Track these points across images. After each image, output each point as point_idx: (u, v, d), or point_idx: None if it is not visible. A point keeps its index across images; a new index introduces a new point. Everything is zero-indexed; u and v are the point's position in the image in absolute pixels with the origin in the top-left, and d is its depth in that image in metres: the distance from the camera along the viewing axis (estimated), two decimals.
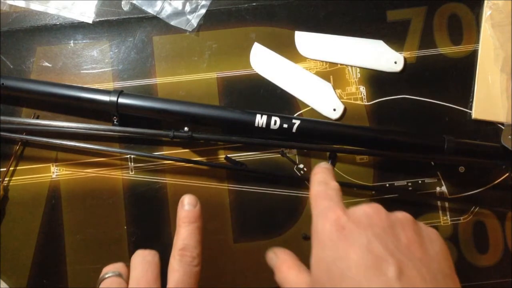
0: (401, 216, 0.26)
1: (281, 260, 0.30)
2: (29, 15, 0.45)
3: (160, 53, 0.44)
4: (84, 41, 0.44)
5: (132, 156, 0.43)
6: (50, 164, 0.43)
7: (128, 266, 0.30)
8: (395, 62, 0.44)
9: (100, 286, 0.29)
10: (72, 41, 0.44)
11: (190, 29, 0.44)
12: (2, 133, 0.41)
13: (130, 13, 0.45)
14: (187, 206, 0.31)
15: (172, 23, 0.44)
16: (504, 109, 0.43)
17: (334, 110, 0.44)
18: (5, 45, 0.44)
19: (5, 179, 0.42)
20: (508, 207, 0.43)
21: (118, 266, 0.30)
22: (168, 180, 0.43)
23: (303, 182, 0.43)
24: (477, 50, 0.45)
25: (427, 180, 0.43)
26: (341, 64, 0.45)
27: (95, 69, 0.44)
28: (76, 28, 0.45)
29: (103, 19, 0.45)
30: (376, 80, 0.44)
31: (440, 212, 0.43)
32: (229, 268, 0.42)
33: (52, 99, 0.41)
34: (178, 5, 0.44)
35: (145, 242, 0.42)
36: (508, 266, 0.42)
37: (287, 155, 0.43)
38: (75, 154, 0.43)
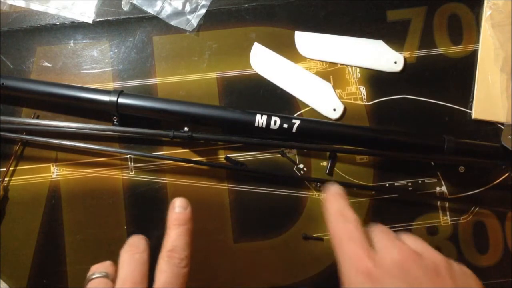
0: (433, 259, 0.26)
1: None
2: (29, 15, 0.45)
3: (160, 53, 0.44)
4: (84, 41, 0.44)
5: (132, 156, 0.43)
6: (50, 164, 0.43)
7: (116, 264, 0.30)
8: (395, 62, 0.44)
9: (87, 286, 0.29)
10: (72, 41, 0.44)
11: (190, 29, 0.44)
12: (2, 133, 0.41)
13: (130, 13, 0.45)
14: (177, 208, 0.31)
15: (172, 23, 0.44)
16: (504, 109, 0.43)
17: (334, 110, 0.44)
18: (5, 45, 0.44)
19: (5, 179, 0.42)
20: (508, 207, 0.43)
21: (106, 266, 0.30)
22: (168, 180, 0.43)
23: (303, 182, 0.43)
24: (477, 50, 0.45)
25: (427, 180, 0.43)
26: (341, 64, 0.45)
27: (95, 69, 0.44)
28: (76, 28, 0.45)
29: (103, 19, 0.45)
30: (376, 80, 0.44)
31: (440, 212, 0.43)
32: (229, 268, 0.42)
33: (52, 99, 0.41)
34: (178, 5, 0.44)
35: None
36: (508, 266, 0.42)
37: (287, 155, 0.43)
38: (75, 154, 0.43)
